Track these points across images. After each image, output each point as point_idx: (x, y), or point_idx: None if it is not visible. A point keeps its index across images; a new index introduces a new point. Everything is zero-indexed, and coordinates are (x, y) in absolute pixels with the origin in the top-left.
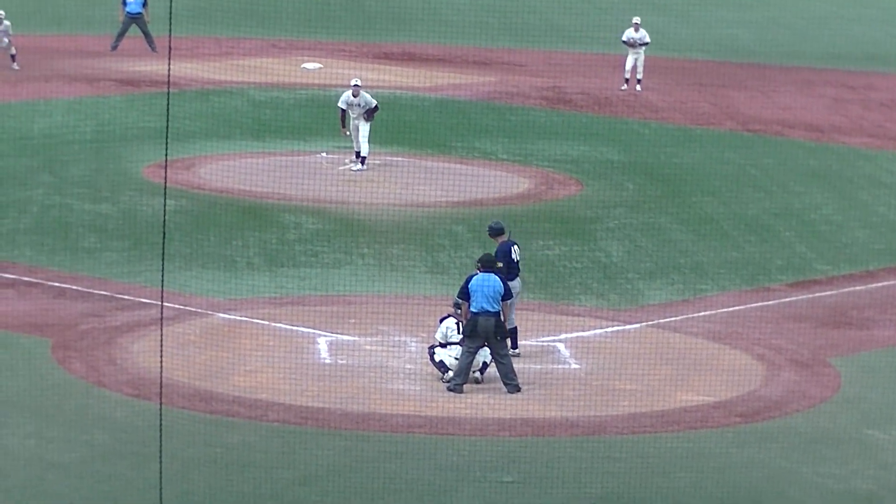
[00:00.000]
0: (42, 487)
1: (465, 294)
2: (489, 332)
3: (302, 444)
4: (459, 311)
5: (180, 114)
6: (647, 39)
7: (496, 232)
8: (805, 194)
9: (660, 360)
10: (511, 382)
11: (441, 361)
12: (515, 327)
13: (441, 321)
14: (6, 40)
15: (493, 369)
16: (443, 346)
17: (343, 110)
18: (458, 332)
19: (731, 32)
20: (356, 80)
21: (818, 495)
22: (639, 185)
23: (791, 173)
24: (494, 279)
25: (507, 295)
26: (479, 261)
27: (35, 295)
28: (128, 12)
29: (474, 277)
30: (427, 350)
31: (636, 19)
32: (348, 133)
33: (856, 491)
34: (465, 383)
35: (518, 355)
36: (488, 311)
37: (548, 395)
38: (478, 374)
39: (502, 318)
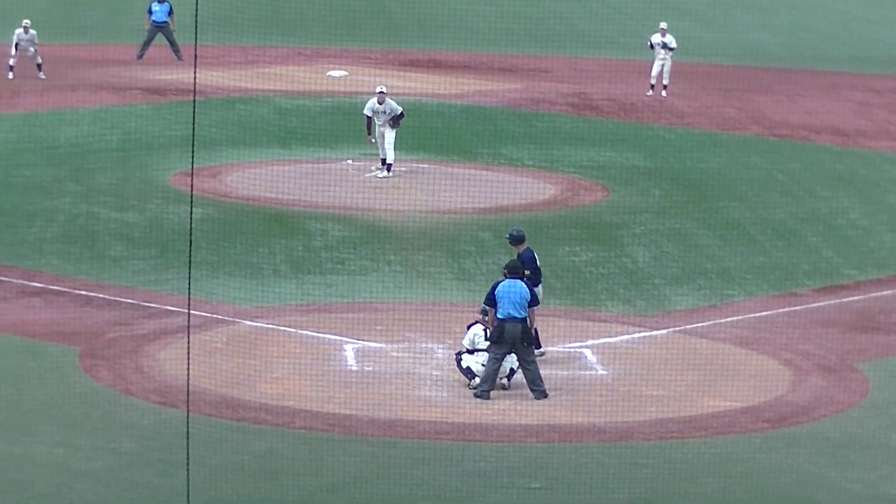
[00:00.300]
0: (69, 495)
1: (491, 300)
2: (516, 339)
3: (329, 451)
4: (486, 318)
5: (206, 122)
6: (674, 45)
7: (517, 240)
8: (831, 199)
9: (687, 365)
10: (538, 388)
11: (468, 368)
12: (535, 328)
13: (468, 328)
14: (32, 49)
15: (519, 375)
16: (470, 352)
17: (369, 117)
18: (485, 339)
19: (756, 37)
20: (382, 88)
21: (846, 500)
22: (665, 190)
23: (817, 178)
24: (521, 285)
25: (534, 301)
26: (506, 267)
27: (62, 303)
28: (153, 21)
29: (501, 284)
30: (454, 356)
31: (663, 24)
32: (374, 140)
33: (884, 496)
34: (491, 389)
35: (543, 355)
36: (515, 318)
37: (574, 401)
38: (504, 381)
39: (529, 324)
